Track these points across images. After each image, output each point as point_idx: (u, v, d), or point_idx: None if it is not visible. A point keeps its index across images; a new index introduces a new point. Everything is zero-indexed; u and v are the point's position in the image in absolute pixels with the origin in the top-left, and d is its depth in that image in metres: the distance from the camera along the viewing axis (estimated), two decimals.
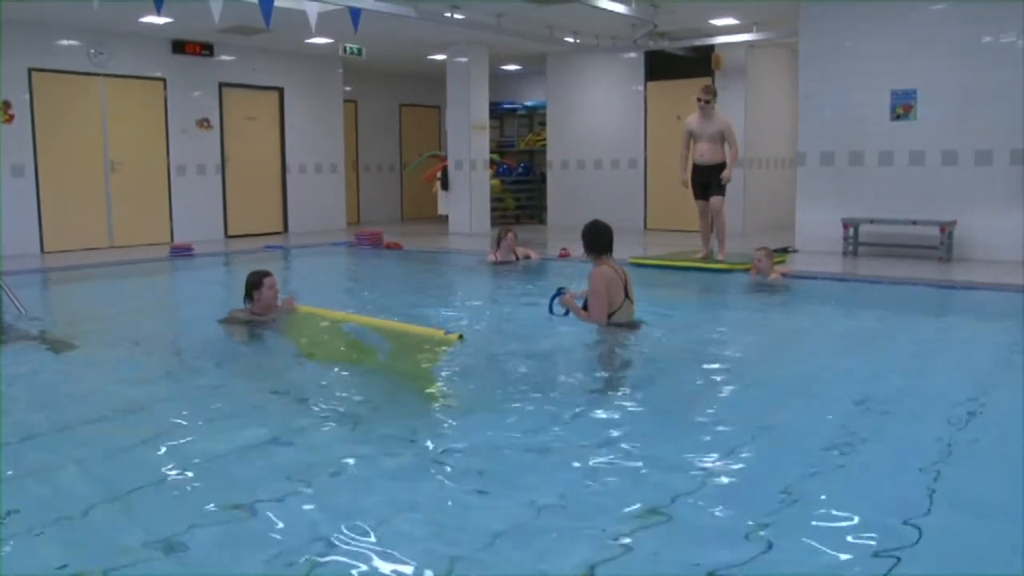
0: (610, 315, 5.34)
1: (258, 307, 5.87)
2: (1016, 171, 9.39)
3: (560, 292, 5.53)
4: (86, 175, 12.04)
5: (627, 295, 5.43)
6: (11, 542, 2.64)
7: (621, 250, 10.57)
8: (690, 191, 9.39)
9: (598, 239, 5.48)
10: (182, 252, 11.16)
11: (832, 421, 3.85)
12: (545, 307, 5.65)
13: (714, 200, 9.20)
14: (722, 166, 9.16)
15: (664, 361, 5.17)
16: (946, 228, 9.55)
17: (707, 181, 9.20)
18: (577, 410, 4.03)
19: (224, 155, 13.61)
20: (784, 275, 8.26)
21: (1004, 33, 9.36)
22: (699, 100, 9.10)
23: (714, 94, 9.20)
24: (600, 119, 14.95)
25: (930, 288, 7.95)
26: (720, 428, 3.78)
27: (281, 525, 2.75)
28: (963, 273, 8.57)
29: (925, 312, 7.19)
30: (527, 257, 9.65)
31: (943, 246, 9.55)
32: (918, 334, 6.17)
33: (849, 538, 2.62)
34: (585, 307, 5.50)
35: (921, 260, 9.57)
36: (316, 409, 4.11)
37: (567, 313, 5.59)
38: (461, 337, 5.32)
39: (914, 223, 9.74)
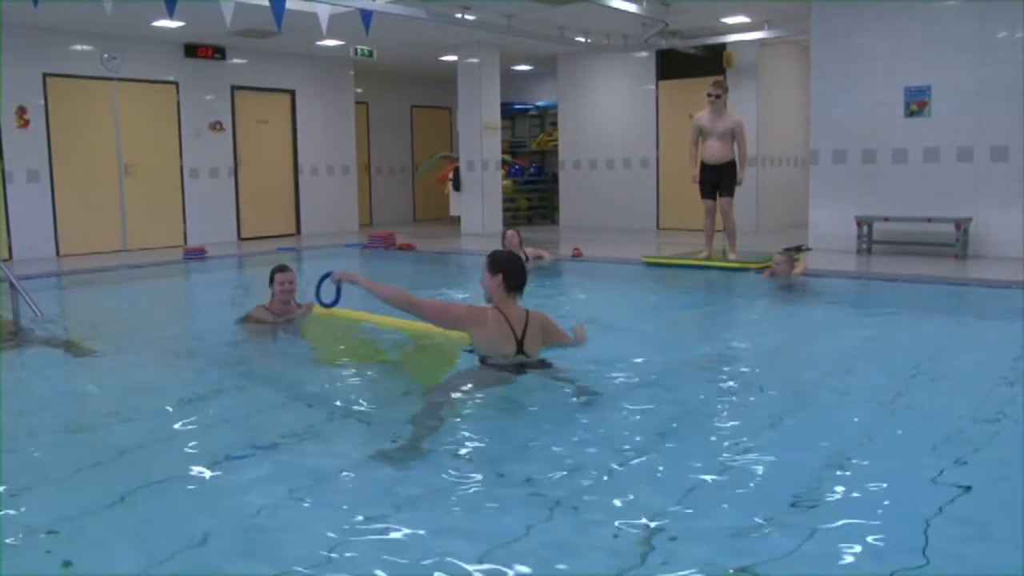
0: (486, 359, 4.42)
1: (275, 303, 5.85)
2: None
3: (328, 276, 4.73)
4: (100, 179, 12.12)
5: (521, 350, 4.35)
6: (19, 544, 2.65)
7: (634, 250, 10.67)
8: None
9: (514, 271, 4.41)
10: (196, 255, 11.21)
11: (848, 421, 3.83)
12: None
13: (723, 201, 9.17)
14: (732, 165, 9.12)
15: (677, 362, 5.15)
16: (961, 225, 9.48)
17: (716, 181, 9.15)
18: (591, 411, 4.02)
19: (237, 158, 13.67)
20: (802, 273, 8.19)
21: (1018, 28, 9.28)
22: (709, 95, 9.05)
23: (725, 89, 9.15)
24: (612, 119, 14.93)
25: (946, 286, 7.90)
26: (733, 429, 3.76)
27: (294, 525, 2.76)
28: (979, 270, 8.51)
29: (941, 310, 7.14)
30: (539, 257, 9.61)
31: (959, 243, 9.49)
32: (934, 332, 6.13)
33: (863, 539, 2.61)
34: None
35: (936, 257, 9.51)
36: (332, 410, 4.11)
37: (336, 301, 4.83)
38: None
39: (929, 220, 9.67)
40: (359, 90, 15.93)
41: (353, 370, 5.10)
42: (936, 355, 5.34)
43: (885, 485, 3.04)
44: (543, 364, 4.43)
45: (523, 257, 9.38)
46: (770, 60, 13.63)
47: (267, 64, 13.85)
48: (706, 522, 2.75)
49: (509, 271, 4.37)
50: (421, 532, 2.69)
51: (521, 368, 4.32)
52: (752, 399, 4.30)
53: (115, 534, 2.74)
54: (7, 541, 2.65)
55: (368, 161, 17.00)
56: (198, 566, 2.51)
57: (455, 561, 2.48)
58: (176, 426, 3.88)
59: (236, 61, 13.51)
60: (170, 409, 4.16)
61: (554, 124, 16.64)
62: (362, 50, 13.56)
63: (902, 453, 3.42)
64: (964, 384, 4.48)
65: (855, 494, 2.95)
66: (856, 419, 3.82)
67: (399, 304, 4.54)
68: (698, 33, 12.88)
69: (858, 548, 2.55)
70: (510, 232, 9.54)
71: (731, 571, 2.40)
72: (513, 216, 16.19)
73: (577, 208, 15.36)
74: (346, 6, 8.95)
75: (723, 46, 13.19)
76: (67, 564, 2.52)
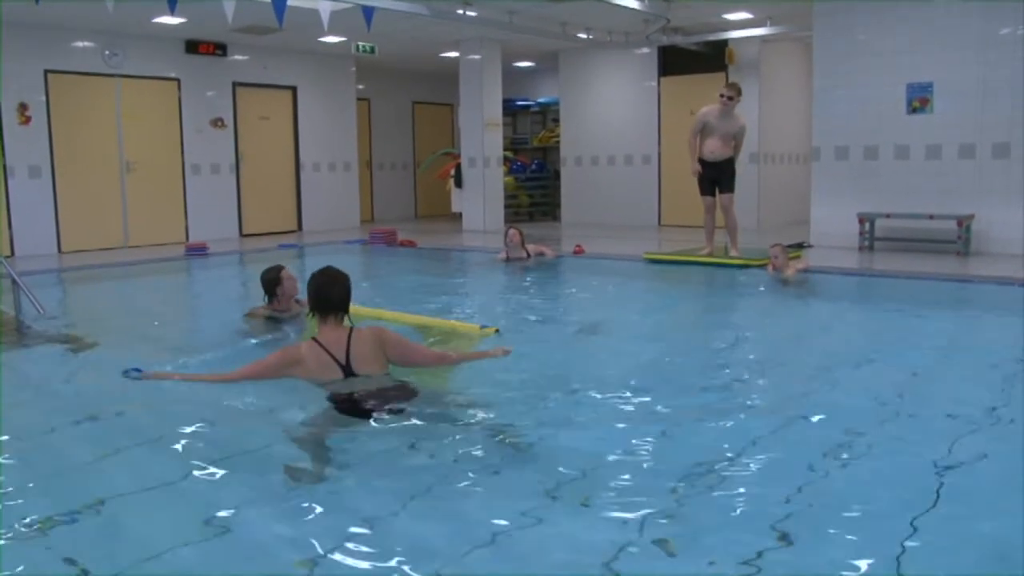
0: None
1: (281, 302, 5.86)
2: None
3: (135, 371, 4.39)
4: (102, 175, 12.12)
5: (352, 374, 3.95)
6: (22, 542, 2.66)
7: (635, 246, 10.67)
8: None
9: (315, 293, 4.02)
10: (197, 251, 11.22)
11: (848, 418, 3.82)
12: None
13: (723, 197, 9.15)
14: (730, 161, 9.12)
15: (677, 357, 5.15)
16: (963, 222, 9.47)
17: (716, 177, 9.14)
18: (594, 405, 4.02)
19: (238, 154, 13.67)
20: (804, 270, 8.21)
21: (1020, 25, 9.26)
22: (723, 96, 8.98)
23: (739, 92, 9.09)
24: (613, 115, 14.92)
25: (947, 282, 7.89)
26: (732, 425, 3.75)
27: (295, 521, 2.76)
28: (981, 267, 8.50)
29: (943, 307, 7.14)
30: (540, 254, 9.62)
31: (960, 240, 9.48)
32: (936, 329, 6.12)
33: (862, 535, 2.61)
34: None
35: (938, 255, 9.50)
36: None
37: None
38: (497, 331, 5.30)
39: (931, 217, 9.67)
40: (361, 86, 15.92)
41: None
42: (937, 352, 5.34)
43: (886, 482, 3.04)
44: (405, 391, 3.89)
45: (525, 255, 9.42)
46: (772, 57, 13.61)
47: (269, 60, 13.84)
48: (704, 519, 2.75)
49: (312, 295, 4.00)
50: (420, 531, 2.69)
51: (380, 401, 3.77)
52: (753, 395, 4.31)
53: (117, 530, 2.75)
54: (9, 537, 2.66)
55: (370, 157, 17.00)
56: (200, 562, 2.52)
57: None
58: (180, 422, 3.87)
59: (237, 57, 13.50)
60: (173, 406, 4.16)
61: (556, 120, 16.63)
62: (364, 46, 13.55)
63: (903, 450, 3.43)
64: (965, 381, 4.48)
65: (855, 491, 2.95)
66: (857, 416, 3.82)
67: (221, 382, 4.20)
68: (700, 29, 12.87)
69: (856, 547, 2.55)
70: (512, 231, 9.55)
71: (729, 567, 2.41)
72: (515, 213, 16.18)
73: (579, 205, 15.35)
74: (347, 2, 8.94)
75: (725, 43, 13.18)
76: (70, 561, 2.52)
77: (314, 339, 4.00)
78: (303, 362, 3.97)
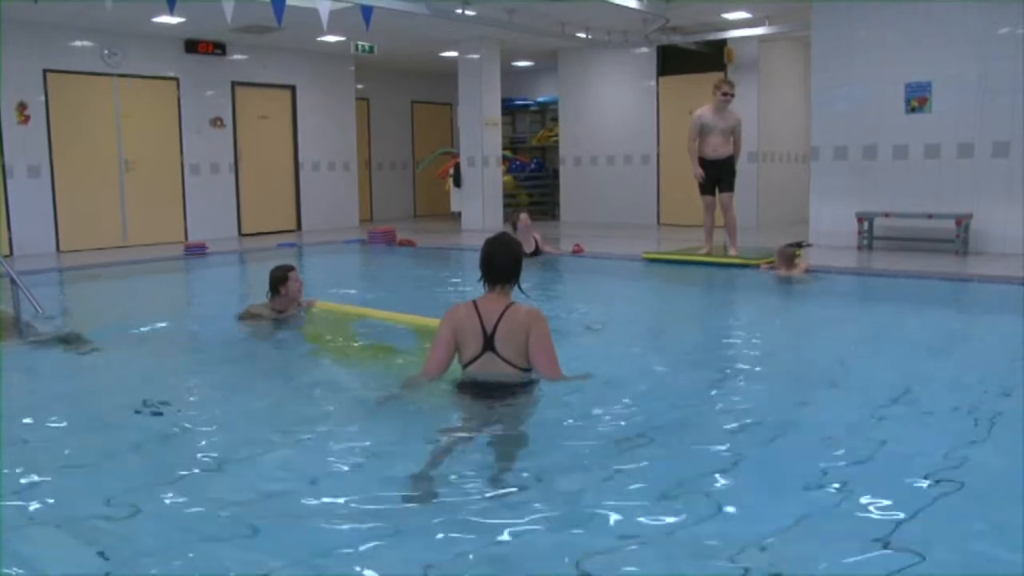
0: (464, 365, 3.92)
1: (283, 302, 5.87)
2: None
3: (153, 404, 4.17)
4: (101, 175, 12.12)
5: (491, 347, 3.82)
6: (23, 539, 2.66)
7: (634, 246, 10.67)
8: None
9: (485, 262, 3.94)
10: (196, 251, 11.22)
11: (847, 417, 3.83)
12: None
13: (723, 196, 9.16)
14: (731, 159, 9.13)
15: (677, 357, 5.16)
16: (962, 221, 9.48)
17: (717, 176, 9.14)
18: (595, 403, 4.02)
19: (237, 154, 13.67)
20: (805, 270, 8.21)
21: (1019, 24, 9.26)
22: (725, 93, 8.97)
23: (732, 86, 9.13)
24: (612, 115, 14.92)
25: (946, 282, 7.90)
26: (733, 424, 3.76)
27: (295, 520, 2.77)
28: (979, 267, 8.51)
29: (941, 306, 7.14)
30: (547, 251, 9.71)
31: (959, 239, 9.49)
32: (934, 329, 6.13)
33: (860, 536, 2.61)
34: None
35: (937, 254, 9.51)
36: (333, 406, 4.11)
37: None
38: None
39: (929, 216, 9.67)
40: (360, 86, 15.92)
41: (356, 366, 5.10)
42: (936, 352, 5.35)
43: (883, 482, 3.05)
44: (518, 387, 3.85)
45: (532, 241, 9.44)
46: (771, 56, 13.61)
47: (268, 60, 13.84)
48: (703, 517, 2.76)
49: (480, 261, 3.93)
50: (416, 528, 2.70)
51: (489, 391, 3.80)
52: (751, 395, 4.31)
53: (119, 528, 2.75)
54: (11, 534, 2.66)
55: (369, 157, 17.00)
56: (202, 559, 2.52)
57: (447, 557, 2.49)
58: (178, 422, 3.88)
59: (236, 57, 13.50)
60: (171, 405, 4.16)
61: (555, 120, 16.62)
62: (363, 46, 13.55)
63: (901, 448, 3.43)
64: (964, 380, 4.49)
65: (853, 490, 2.95)
66: (855, 415, 3.82)
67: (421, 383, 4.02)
68: (699, 29, 12.88)
69: (855, 545, 2.55)
70: (523, 215, 9.69)
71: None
72: (513, 212, 16.16)
73: (578, 204, 15.36)
74: (347, 1, 8.94)
75: (724, 42, 13.18)
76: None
77: (474, 302, 3.91)
78: (461, 322, 3.86)
